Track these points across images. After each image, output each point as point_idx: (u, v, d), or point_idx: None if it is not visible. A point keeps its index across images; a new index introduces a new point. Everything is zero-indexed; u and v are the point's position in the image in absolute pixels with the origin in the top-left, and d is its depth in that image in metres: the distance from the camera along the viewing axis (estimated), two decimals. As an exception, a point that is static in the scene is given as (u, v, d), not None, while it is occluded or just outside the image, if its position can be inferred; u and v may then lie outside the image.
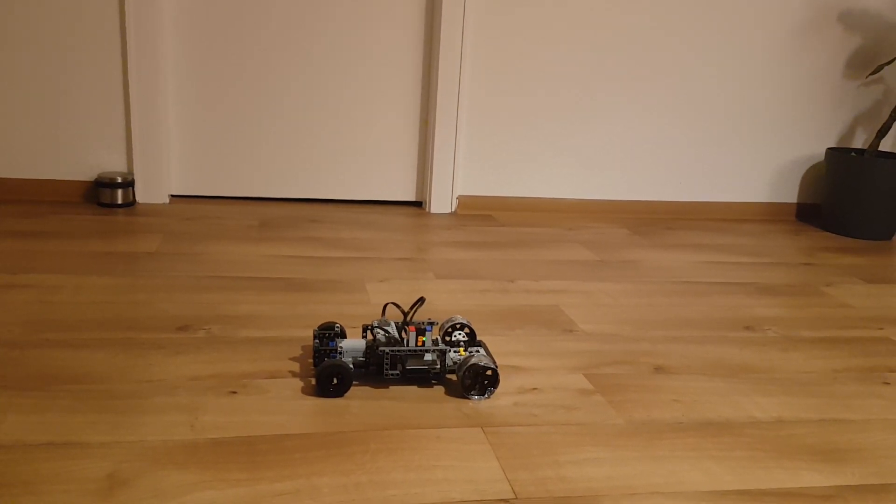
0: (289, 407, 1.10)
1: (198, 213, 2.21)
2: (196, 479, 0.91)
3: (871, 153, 2.45)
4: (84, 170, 2.26)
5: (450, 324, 1.26)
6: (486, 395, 1.16)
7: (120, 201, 2.22)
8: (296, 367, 1.24)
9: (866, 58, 2.58)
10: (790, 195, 2.69)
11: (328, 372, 1.13)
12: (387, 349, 1.17)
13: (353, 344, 1.21)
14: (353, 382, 1.19)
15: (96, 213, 2.15)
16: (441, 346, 1.19)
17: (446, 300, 1.61)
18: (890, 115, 2.41)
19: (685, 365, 1.35)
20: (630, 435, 1.09)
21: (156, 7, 2.15)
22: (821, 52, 2.55)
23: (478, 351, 1.23)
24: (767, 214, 2.68)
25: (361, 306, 1.54)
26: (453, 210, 2.46)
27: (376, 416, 1.10)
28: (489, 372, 1.16)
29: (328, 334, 1.21)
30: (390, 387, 1.19)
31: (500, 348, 1.37)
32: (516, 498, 0.93)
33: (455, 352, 1.22)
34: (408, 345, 1.19)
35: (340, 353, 1.19)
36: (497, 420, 1.11)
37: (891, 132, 2.69)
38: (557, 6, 2.36)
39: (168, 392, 1.13)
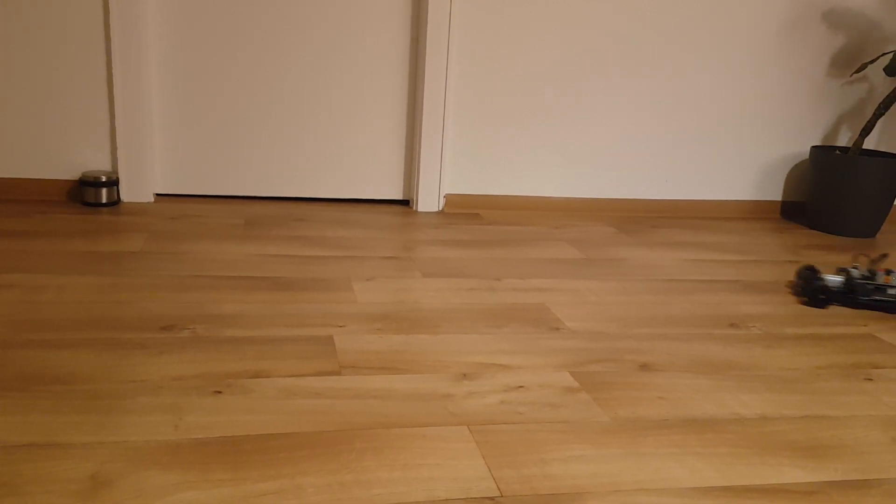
0: (273, 407, 1.10)
1: (183, 212, 2.19)
2: (179, 480, 0.91)
3: (855, 151, 2.47)
4: (68, 169, 2.24)
5: None
6: None
7: (104, 200, 2.20)
8: (281, 366, 1.23)
9: (850, 56, 2.60)
10: (775, 193, 2.70)
11: (817, 290, 1.69)
12: (861, 280, 1.69)
13: (833, 278, 1.73)
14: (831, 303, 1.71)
15: (80, 212, 2.13)
16: None
17: (433, 298, 1.61)
18: (873, 114, 2.42)
19: (670, 362, 1.36)
20: (615, 432, 1.10)
21: (140, 5, 2.14)
22: (805, 50, 2.56)
23: None
24: (752, 212, 2.70)
25: (348, 305, 1.53)
26: (440, 208, 2.46)
27: (361, 414, 1.10)
28: None
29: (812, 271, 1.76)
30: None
31: (487, 346, 1.37)
32: (502, 496, 0.93)
33: None
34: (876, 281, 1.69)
35: (823, 281, 1.71)
36: (483, 418, 1.11)
37: (874, 130, 2.71)
38: (543, 6, 2.36)
39: (152, 392, 1.12)
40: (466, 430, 1.07)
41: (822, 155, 2.48)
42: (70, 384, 1.13)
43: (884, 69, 2.42)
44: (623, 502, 0.93)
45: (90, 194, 2.19)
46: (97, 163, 2.25)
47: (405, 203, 2.51)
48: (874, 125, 2.44)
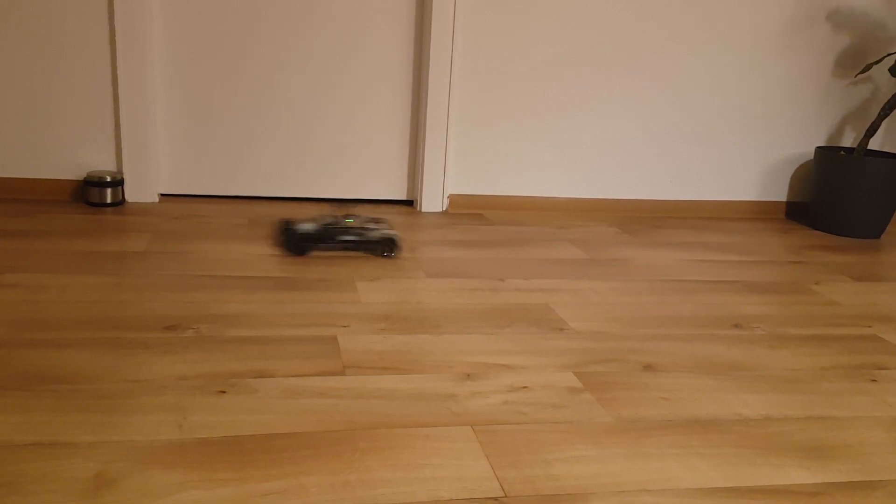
0: (277, 406, 1.10)
1: (187, 212, 2.20)
2: (183, 479, 0.91)
3: (860, 152, 2.46)
4: (73, 169, 2.25)
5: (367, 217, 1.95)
6: (393, 254, 1.87)
7: (109, 200, 2.20)
8: (285, 366, 1.23)
9: (855, 57, 2.59)
10: (779, 193, 2.70)
11: (299, 238, 1.83)
12: (331, 226, 1.86)
13: (308, 226, 1.86)
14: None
15: (85, 212, 2.14)
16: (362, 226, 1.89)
17: (437, 299, 1.61)
18: (878, 114, 2.42)
19: (673, 363, 1.36)
20: (618, 432, 1.09)
21: (144, 6, 2.14)
22: (809, 50, 2.56)
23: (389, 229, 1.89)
24: (756, 213, 2.69)
25: (352, 305, 1.54)
26: (444, 209, 2.46)
27: (364, 414, 1.10)
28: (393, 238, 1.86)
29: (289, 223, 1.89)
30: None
31: (490, 347, 1.37)
32: (505, 496, 0.93)
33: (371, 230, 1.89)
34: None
35: (299, 230, 1.84)
36: (486, 418, 1.11)
37: (879, 131, 2.70)
38: (547, 6, 2.36)
39: (156, 392, 1.12)
40: (470, 430, 1.07)
41: (827, 155, 2.47)
42: (73, 384, 1.13)
43: (889, 70, 2.42)
44: (626, 503, 0.93)
45: (94, 194, 2.19)
46: (101, 163, 2.26)
47: (409, 203, 2.51)
48: (879, 126, 2.43)
